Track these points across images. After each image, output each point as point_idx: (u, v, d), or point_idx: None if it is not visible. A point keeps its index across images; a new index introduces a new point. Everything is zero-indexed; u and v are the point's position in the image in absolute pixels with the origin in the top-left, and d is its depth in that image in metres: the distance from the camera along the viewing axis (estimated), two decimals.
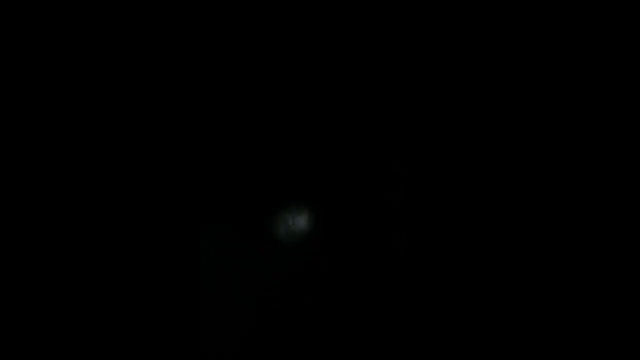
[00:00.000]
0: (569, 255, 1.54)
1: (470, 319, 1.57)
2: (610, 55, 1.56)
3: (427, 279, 1.60)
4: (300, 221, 1.55)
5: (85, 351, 1.51)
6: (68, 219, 1.53)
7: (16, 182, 1.52)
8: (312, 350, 1.57)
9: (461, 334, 1.57)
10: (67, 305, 1.51)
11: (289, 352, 1.56)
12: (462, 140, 1.61)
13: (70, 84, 1.56)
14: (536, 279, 1.55)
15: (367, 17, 1.62)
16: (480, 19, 1.61)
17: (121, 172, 1.55)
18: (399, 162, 1.62)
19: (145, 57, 1.57)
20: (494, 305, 1.57)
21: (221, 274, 1.55)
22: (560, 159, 1.57)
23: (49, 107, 1.55)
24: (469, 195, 1.60)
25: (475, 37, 1.61)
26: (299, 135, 1.61)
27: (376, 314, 1.59)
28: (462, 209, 1.60)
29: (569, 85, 1.58)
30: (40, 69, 1.55)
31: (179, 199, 1.56)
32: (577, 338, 1.53)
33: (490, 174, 1.59)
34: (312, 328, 1.57)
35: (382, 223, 1.60)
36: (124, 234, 1.54)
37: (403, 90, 1.63)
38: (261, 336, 1.56)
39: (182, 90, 1.58)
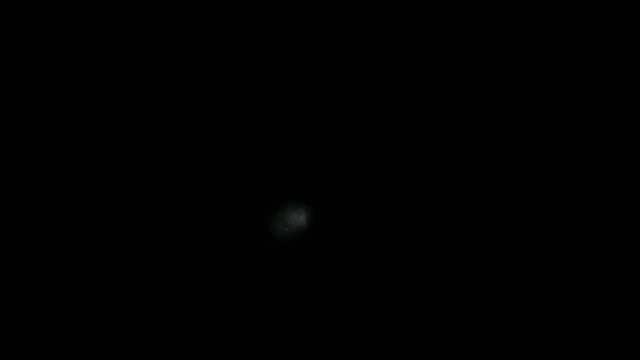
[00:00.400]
0: (571, 255, 1.55)
1: (471, 319, 1.57)
2: (610, 56, 1.57)
3: (427, 279, 1.60)
4: (300, 221, 1.55)
5: (85, 351, 1.51)
6: (67, 219, 1.53)
7: (15, 181, 1.52)
8: (312, 350, 1.57)
9: (461, 334, 1.57)
10: (66, 305, 1.51)
11: (289, 352, 1.56)
12: (463, 140, 1.61)
13: (69, 83, 1.56)
14: (537, 279, 1.55)
15: (366, 17, 1.62)
16: (480, 19, 1.61)
17: (120, 171, 1.55)
18: (399, 162, 1.62)
19: (144, 56, 1.57)
20: (494, 305, 1.57)
21: (221, 274, 1.55)
22: (562, 159, 1.57)
23: (48, 106, 1.55)
24: (470, 195, 1.60)
25: (475, 37, 1.61)
26: (298, 135, 1.61)
27: (376, 314, 1.59)
28: (462, 209, 1.60)
29: (570, 84, 1.58)
30: (39, 69, 1.55)
31: (179, 198, 1.56)
32: (577, 338, 1.53)
33: (491, 174, 1.59)
34: (312, 328, 1.57)
35: (382, 223, 1.60)
36: (123, 234, 1.54)
37: (402, 90, 1.63)
38: (261, 336, 1.56)
39: (181, 89, 1.58)
